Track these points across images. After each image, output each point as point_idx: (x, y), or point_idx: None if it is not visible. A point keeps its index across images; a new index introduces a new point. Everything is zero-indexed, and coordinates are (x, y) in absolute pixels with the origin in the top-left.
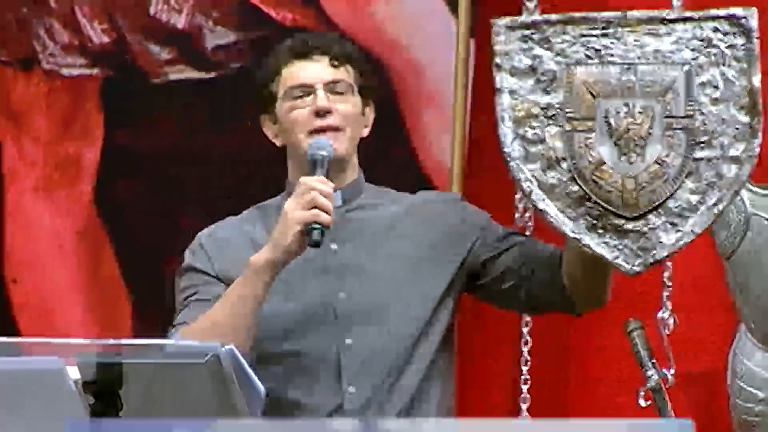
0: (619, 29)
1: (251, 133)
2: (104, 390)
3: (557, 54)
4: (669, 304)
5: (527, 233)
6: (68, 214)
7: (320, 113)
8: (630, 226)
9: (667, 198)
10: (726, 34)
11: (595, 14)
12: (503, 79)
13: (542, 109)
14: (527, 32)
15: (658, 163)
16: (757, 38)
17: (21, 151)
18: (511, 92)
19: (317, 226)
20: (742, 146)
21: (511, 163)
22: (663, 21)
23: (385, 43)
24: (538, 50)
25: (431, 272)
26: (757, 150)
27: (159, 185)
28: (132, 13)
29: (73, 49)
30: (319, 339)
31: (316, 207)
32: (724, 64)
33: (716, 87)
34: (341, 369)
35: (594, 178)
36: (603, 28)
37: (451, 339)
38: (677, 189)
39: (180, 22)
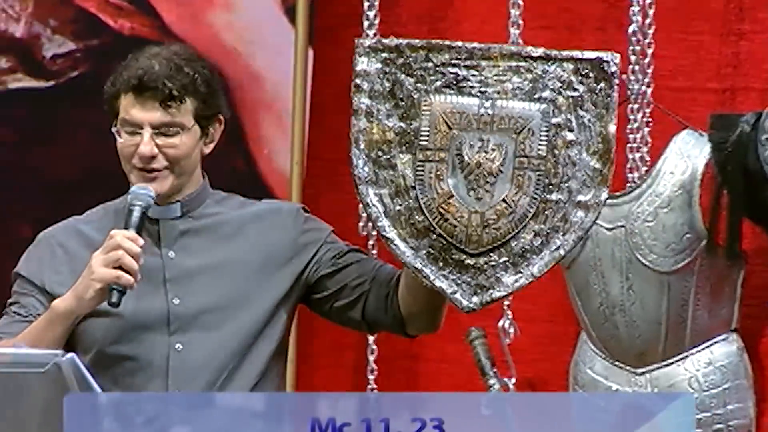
0: (482, 62)
1: (88, 143)
2: None
3: (417, 80)
4: (510, 313)
5: (370, 242)
6: None
7: (142, 158)
8: (471, 261)
9: (511, 238)
10: (587, 77)
11: (459, 43)
12: (361, 101)
13: (397, 134)
14: (390, 56)
15: (506, 202)
16: (617, 84)
17: None
18: (368, 114)
19: (117, 287)
20: (591, 192)
21: (360, 186)
22: (526, 57)
23: (223, 51)
24: (399, 75)
25: (266, 282)
26: (605, 197)
27: None
28: None
29: None
30: (151, 343)
31: (120, 267)
32: (581, 108)
33: (571, 130)
34: (168, 373)
35: (441, 210)
36: (465, 59)
37: (285, 348)
38: (521, 229)
39: (18, 30)
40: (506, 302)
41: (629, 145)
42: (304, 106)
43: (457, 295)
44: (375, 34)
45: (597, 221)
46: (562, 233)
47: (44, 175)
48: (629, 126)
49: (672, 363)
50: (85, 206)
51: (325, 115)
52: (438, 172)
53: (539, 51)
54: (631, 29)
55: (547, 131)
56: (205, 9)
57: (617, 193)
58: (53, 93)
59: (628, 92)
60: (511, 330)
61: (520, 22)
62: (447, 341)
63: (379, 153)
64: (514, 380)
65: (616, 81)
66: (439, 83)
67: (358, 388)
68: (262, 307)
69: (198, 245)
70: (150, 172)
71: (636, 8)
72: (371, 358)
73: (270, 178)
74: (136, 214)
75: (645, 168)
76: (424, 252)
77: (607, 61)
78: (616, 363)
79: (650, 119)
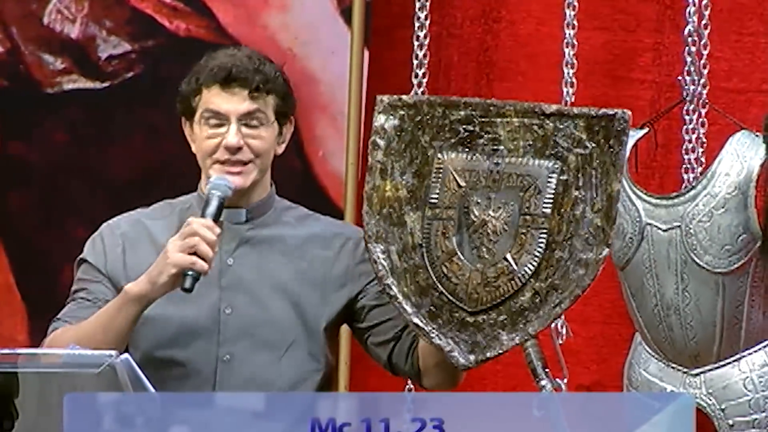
0: (497, 119)
1: (143, 144)
2: (1, 399)
3: (432, 138)
4: (562, 314)
5: None
6: None
7: (230, 149)
8: (470, 320)
9: (511, 296)
10: (597, 134)
11: (475, 100)
12: (376, 159)
13: (409, 192)
14: (408, 112)
15: (507, 260)
16: (626, 141)
17: None
18: (382, 171)
19: (192, 273)
20: (592, 251)
21: (369, 244)
22: (539, 114)
23: (278, 52)
24: (415, 132)
25: (316, 304)
26: (605, 255)
27: (51, 195)
28: (26, 22)
29: None
30: (200, 351)
31: (196, 253)
32: (590, 165)
33: (578, 188)
34: (216, 383)
35: (444, 268)
36: (481, 116)
37: (329, 367)
38: (521, 288)
39: (74, 31)
40: None
41: (684, 146)
42: (359, 107)
43: (455, 353)
44: (426, 36)
45: (652, 222)
46: (560, 291)
47: (99, 176)
48: (685, 127)
49: (726, 364)
50: (140, 207)
51: None
52: (444, 230)
53: (553, 108)
54: (686, 30)
55: (554, 189)
56: (260, 10)
57: (672, 194)
58: (108, 94)
59: (684, 93)
60: (564, 331)
61: (575, 23)
62: None
63: (391, 210)
64: (566, 381)
65: (626, 138)
66: (453, 140)
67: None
68: (313, 329)
69: (258, 256)
70: (234, 166)
71: (691, 9)
72: None
73: (325, 179)
74: (215, 203)
75: (700, 169)
76: (426, 310)
77: (618, 119)
78: (671, 364)
79: (705, 120)
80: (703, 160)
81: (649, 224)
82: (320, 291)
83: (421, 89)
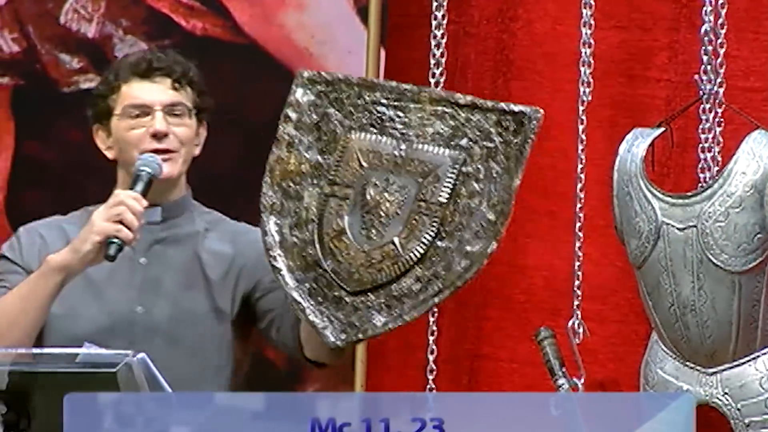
0: (410, 104)
1: None
2: (16, 399)
3: (345, 116)
4: (579, 313)
5: None
6: None
7: (158, 136)
8: (348, 299)
9: (392, 280)
10: (506, 129)
11: (392, 84)
12: (285, 131)
13: (312, 167)
14: (325, 89)
15: (394, 244)
16: (533, 140)
17: None
18: (289, 144)
19: (116, 240)
20: (480, 244)
21: (263, 213)
22: (453, 104)
23: (295, 51)
24: (329, 109)
25: (225, 301)
26: (492, 250)
27: (67, 195)
28: (42, 22)
29: None
30: (112, 349)
31: (121, 222)
32: (493, 159)
33: (478, 181)
34: (135, 335)
35: (331, 245)
36: (395, 99)
37: (238, 363)
38: (404, 274)
39: (90, 31)
40: (576, 302)
41: (701, 145)
42: None
43: (327, 331)
44: (443, 35)
45: (668, 221)
46: (442, 281)
47: (114, 176)
48: (701, 126)
49: (743, 363)
50: None
51: None
52: (338, 208)
53: (467, 99)
54: (703, 29)
55: (454, 178)
56: (277, 9)
57: (689, 193)
58: None
59: (700, 92)
60: (580, 330)
61: (592, 22)
62: (517, 341)
63: (290, 183)
64: (583, 380)
65: (532, 137)
66: (364, 121)
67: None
68: (223, 325)
69: (169, 256)
70: (162, 154)
71: (708, 8)
72: (431, 357)
73: None
74: (144, 179)
75: (716, 168)
76: (308, 285)
77: (529, 117)
78: (687, 363)
79: (722, 119)
80: (719, 159)
81: (666, 223)
82: (228, 287)
83: (439, 88)
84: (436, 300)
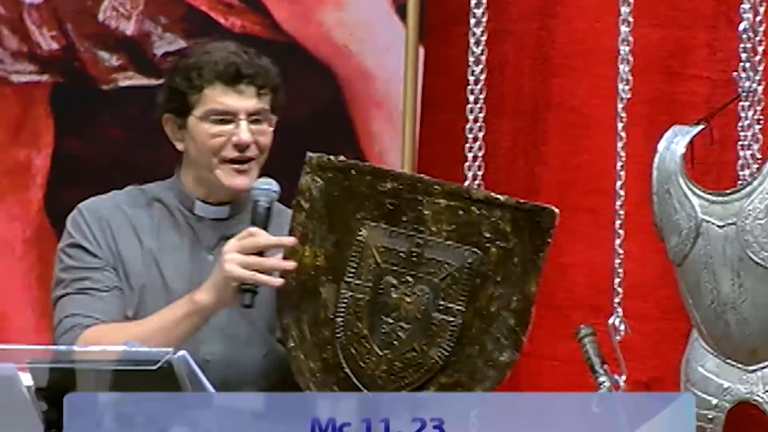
0: (424, 197)
1: None
2: (57, 396)
3: (357, 207)
4: (620, 311)
5: None
6: (18, 221)
7: (240, 146)
8: None
9: (415, 389)
10: (522, 228)
11: (404, 174)
12: (298, 221)
13: (327, 261)
14: (335, 176)
15: (416, 351)
16: (549, 241)
17: None
18: (303, 236)
19: (254, 288)
20: (504, 354)
21: (282, 308)
22: (466, 199)
23: (333, 49)
24: (340, 198)
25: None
26: (516, 358)
27: (105, 192)
28: (81, 19)
29: (22, 56)
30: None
31: (257, 269)
32: (510, 261)
33: (496, 283)
34: None
35: (352, 348)
36: (408, 191)
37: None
38: (428, 382)
39: (129, 28)
40: (616, 299)
41: (740, 143)
42: (414, 103)
43: None
44: (483, 32)
45: (708, 219)
46: (465, 389)
47: (153, 173)
48: (740, 124)
49: None
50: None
51: (435, 112)
52: (357, 309)
53: (480, 194)
54: (741, 26)
55: (471, 282)
56: (315, 7)
57: (728, 191)
58: None
59: (739, 90)
60: (621, 327)
61: (631, 19)
62: (559, 339)
63: (306, 278)
64: (624, 378)
65: (549, 238)
66: (376, 213)
67: None
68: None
69: None
70: (242, 164)
71: (746, 5)
72: None
73: None
74: (264, 213)
75: (756, 165)
76: (329, 390)
77: (544, 216)
78: (728, 360)
79: (761, 117)
80: (759, 156)
81: (705, 221)
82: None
83: (479, 86)
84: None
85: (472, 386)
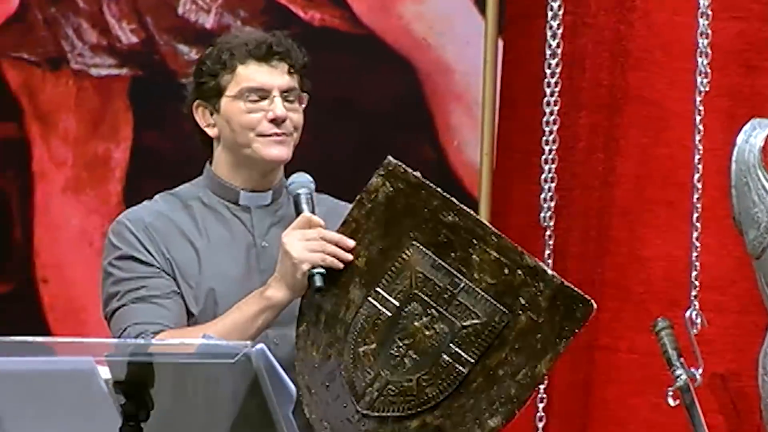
0: (479, 243)
1: None
2: (135, 389)
3: (414, 226)
4: (697, 304)
5: (548, 233)
6: (97, 214)
7: (277, 121)
8: (354, 417)
9: (399, 417)
10: (557, 308)
11: (470, 213)
12: (353, 215)
13: (367, 264)
14: (405, 188)
15: (411, 383)
16: (574, 333)
17: (50, 151)
18: (354, 231)
19: (321, 270)
20: (494, 418)
21: (307, 296)
22: (516, 260)
23: (413, 42)
24: (401, 211)
25: None
26: (501, 427)
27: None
28: (160, 12)
29: (102, 49)
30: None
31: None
32: (534, 336)
33: (513, 350)
34: None
35: (359, 354)
36: (466, 230)
37: None
38: (414, 415)
39: (208, 21)
40: (694, 293)
41: None
42: (494, 97)
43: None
44: (559, 26)
45: None
46: None
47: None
48: None
49: None
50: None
51: (515, 106)
52: (377, 321)
53: (532, 261)
54: None
55: (490, 339)
56: (395, 0)
57: None
58: None
59: None
60: (699, 321)
61: (710, 12)
62: (636, 332)
63: (342, 271)
64: (701, 371)
65: (578, 329)
66: (429, 238)
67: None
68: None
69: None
70: (279, 137)
71: None
72: None
73: (459, 169)
74: (306, 199)
75: None
76: (320, 384)
77: (583, 306)
78: None
79: None
80: None
81: None
82: None
83: (555, 79)
84: None
85: None
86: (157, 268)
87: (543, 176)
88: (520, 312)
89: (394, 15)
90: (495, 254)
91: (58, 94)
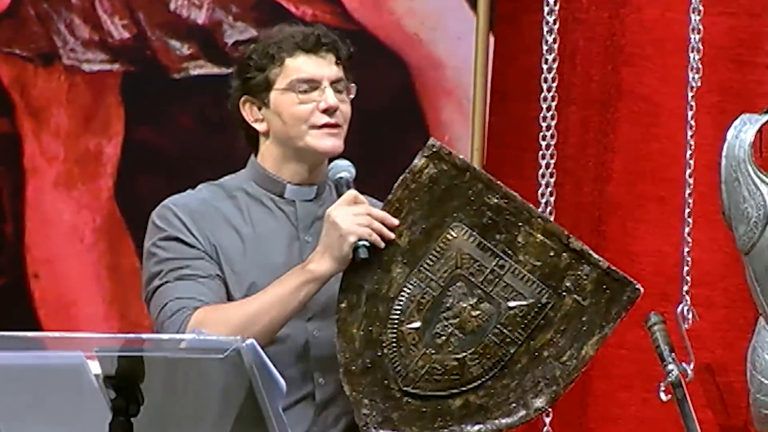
0: (524, 225)
1: None
2: (125, 384)
3: (457, 207)
4: (688, 299)
5: None
6: (88, 209)
7: (328, 111)
8: (397, 395)
9: (443, 396)
10: (603, 292)
11: (515, 196)
12: (397, 196)
13: (410, 244)
14: (450, 170)
15: (458, 362)
16: (621, 316)
17: (41, 146)
18: (397, 210)
19: (366, 243)
20: (538, 398)
21: (348, 274)
22: (563, 243)
23: (404, 38)
24: (446, 193)
25: None
26: (547, 408)
27: (178, 180)
28: (152, 8)
29: (94, 45)
30: (291, 328)
31: (369, 227)
32: (580, 319)
33: (558, 332)
34: (310, 359)
35: (400, 332)
36: (510, 213)
37: None
38: (456, 394)
39: (200, 17)
40: (685, 288)
41: None
42: (485, 92)
43: (364, 413)
44: (555, 21)
45: None
46: (487, 415)
47: (225, 162)
48: None
49: None
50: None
51: (506, 101)
52: (421, 300)
53: (578, 245)
54: None
55: (535, 320)
56: None
57: None
58: None
59: None
60: (690, 315)
61: (701, 8)
62: (627, 327)
63: (384, 250)
64: (692, 366)
65: (624, 313)
66: (474, 220)
67: None
68: None
69: None
70: (332, 128)
71: None
72: None
73: None
74: (347, 183)
75: None
76: (362, 362)
77: (630, 291)
78: None
79: None
80: None
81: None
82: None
83: (551, 74)
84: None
85: (495, 416)
86: (201, 250)
87: (540, 172)
88: (565, 294)
89: (385, 10)
90: (541, 237)
91: (49, 90)
